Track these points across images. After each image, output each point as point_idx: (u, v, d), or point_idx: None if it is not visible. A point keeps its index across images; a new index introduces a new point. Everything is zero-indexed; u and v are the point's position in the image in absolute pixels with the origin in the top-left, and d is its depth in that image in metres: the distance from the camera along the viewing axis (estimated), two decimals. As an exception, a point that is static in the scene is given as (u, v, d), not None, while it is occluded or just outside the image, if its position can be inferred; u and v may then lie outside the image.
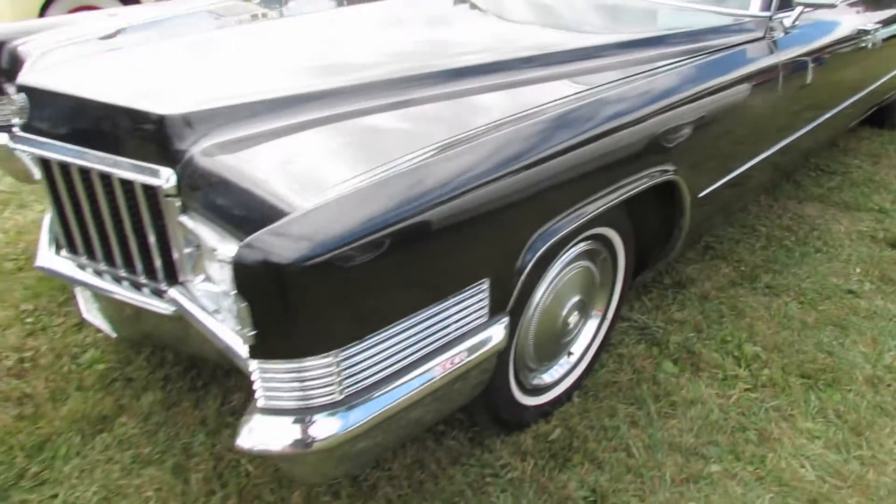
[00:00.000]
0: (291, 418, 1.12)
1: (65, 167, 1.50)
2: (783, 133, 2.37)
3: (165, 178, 1.33)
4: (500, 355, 1.43)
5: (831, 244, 2.84)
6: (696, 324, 2.27)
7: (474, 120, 1.38)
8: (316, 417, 1.13)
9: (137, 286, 1.54)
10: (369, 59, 1.69)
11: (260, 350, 1.08)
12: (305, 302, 1.03)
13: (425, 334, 1.22)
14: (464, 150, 1.26)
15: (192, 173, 1.30)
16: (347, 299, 1.07)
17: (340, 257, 1.03)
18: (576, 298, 1.77)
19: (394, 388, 1.19)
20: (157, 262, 1.47)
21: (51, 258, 1.68)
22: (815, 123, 2.61)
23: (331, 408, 1.13)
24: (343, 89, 1.47)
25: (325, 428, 1.13)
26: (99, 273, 1.60)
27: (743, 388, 1.99)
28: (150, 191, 1.38)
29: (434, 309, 1.22)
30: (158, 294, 1.51)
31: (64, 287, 2.34)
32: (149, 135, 1.35)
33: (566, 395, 1.89)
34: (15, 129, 2.24)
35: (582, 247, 1.71)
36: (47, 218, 1.81)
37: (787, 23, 2.20)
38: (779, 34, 2.17)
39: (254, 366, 1.10)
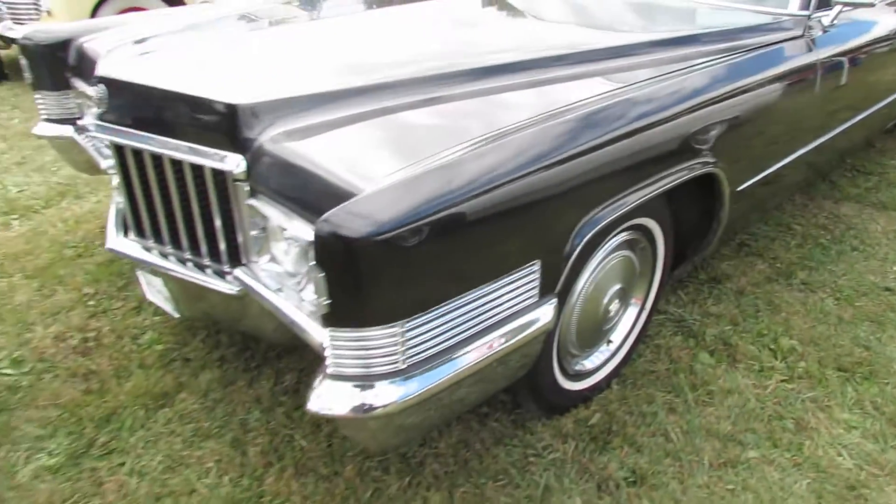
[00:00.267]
0: (356, 384, 1.20)
1: (138, 154, 1.60)
2: (819, 131, 2.40)
3: (235, 163, 1.42)
4: (547, 337, 1.50)
5: (868, 243, 2.84)
6: (731, 317, 2.31)
7: (521, 114, 1.45)
8: (378, 384, 1.20)
9: (201, 267, 1.64)
10: (428, 53, 1.79)
11: (333, 318, 1.16)
12: (375, 273, 1.11)
13: (482, 310, 1.30)
14: (514, 140, 1.34)
15: (262, 159, 1.39)
16: (412, 273, 1.15)
17: (406, 234, 1.10)
18: (617, 287, 1.82)
19: (451, 360, 1.26)
20: (222, 245, 1.56)
21: (120, 241, 1.78)
22: (851, 122, 2.63)
23: (393, 376, 1.20)
24: (390, 83, 1.55)
25: (387, 395, 1.20)
26: (164, 255, 1.71)
27: (779, 380, 2.02)
28: (220, 176, 1.48)
29: (491, 286, 1.29)
30: (221, 275, 1.61)
31: (122, 272, 2.46)
32: (219, 123, 1.45)
33: (605, 382, 1.94)
34: (80, 122, 2.37)
35: (624, 236, 1.77)
36: (113, 205, 1.92)
37: (826, 22, 2.24)
38: (817, 33, 2.21)
39: (326, 333, 1.18)
